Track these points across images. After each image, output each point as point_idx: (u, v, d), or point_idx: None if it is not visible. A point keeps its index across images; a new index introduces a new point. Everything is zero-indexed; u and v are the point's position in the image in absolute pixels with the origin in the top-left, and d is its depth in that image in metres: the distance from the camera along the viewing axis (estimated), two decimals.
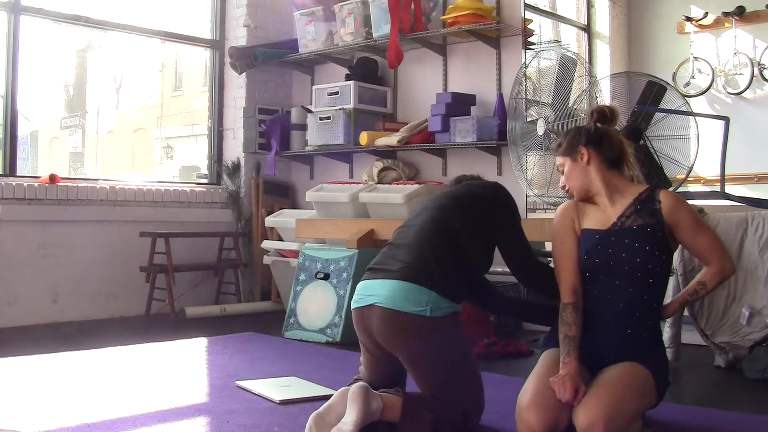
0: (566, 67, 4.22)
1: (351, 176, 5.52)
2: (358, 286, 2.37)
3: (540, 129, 4.15)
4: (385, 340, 2.26)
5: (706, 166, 4.68)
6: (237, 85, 5.77)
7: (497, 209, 2.46)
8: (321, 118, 5.20)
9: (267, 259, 5.15)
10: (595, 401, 2.01)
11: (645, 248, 2.21)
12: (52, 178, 4.69)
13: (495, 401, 2.74)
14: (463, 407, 2.25)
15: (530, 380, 2.17)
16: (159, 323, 4.75)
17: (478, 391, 2.32)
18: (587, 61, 5.39)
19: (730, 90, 5.50)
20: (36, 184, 4.65)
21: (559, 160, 2.41)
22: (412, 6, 4.85)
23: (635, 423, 2.10)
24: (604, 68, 5.52)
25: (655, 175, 3.91)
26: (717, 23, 5.56)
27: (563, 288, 2.27)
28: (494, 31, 4.70)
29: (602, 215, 2.31)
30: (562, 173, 2.40)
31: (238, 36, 5.75)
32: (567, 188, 2.38)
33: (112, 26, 5.34)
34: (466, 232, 2.36)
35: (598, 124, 2.38)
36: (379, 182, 5.02)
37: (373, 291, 2.26)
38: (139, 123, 7.94)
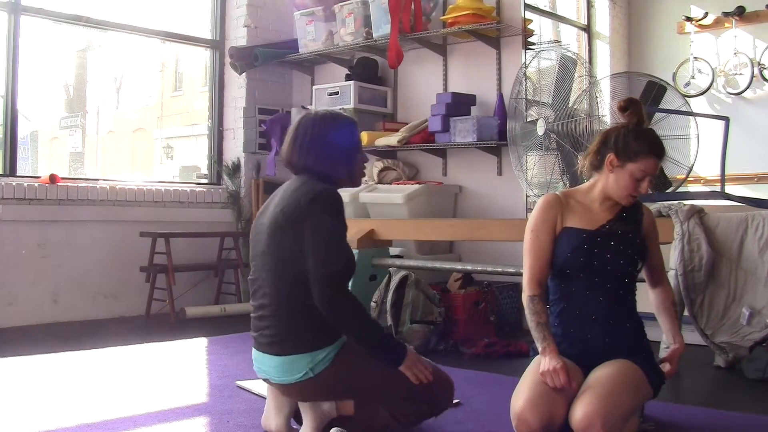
0: (566, 67, 4.21)
1: None
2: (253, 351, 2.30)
3: (540, 129, 4.15)
4: (299, 401, 2.28)
5: (706, 166, 4.68)
6: (237, 85, 5.77)
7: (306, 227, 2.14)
8: None
9: None
10: (590, 400, 2.02)
11: (627, 252, 2.27)
12: (52, 178, 4.69)
13: (495, 401, 2.75)
14: (421, 399, 2.24)
15: (523, 381, 2.18)
16: (159, 323, 4.75)
17: (428, 383, 2.25)
18: (587, 61, 5.38)
19: (730, 90, 5.49)
20: (36, 184, 4.65)
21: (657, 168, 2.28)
22: (412, 6, 4.85)
23: (632, 419, 2.12)
24: (604, 68, 5.52)
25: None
26: (717, 23, 5.55)
27: (529, 280, 2.29)
28: (494, 31, 4.70)
29: (590, 215, 2.32)
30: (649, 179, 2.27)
31: (238, 36, 5.75)
32: (636, 195, 2.28)
33: (112, 26, 5.34)
34: (304, 267, 2.12)
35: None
36: (379, 182, 5.02)
37: (262, 364, 2.25)
38: (139, 123, 7.96)
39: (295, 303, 2.14)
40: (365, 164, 2.41)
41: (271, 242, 2.18)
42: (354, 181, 2.37)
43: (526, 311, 2.27)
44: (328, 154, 2.26)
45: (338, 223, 2.16)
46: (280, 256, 2.15)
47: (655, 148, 2.27)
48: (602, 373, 2.14)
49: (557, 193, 2.40)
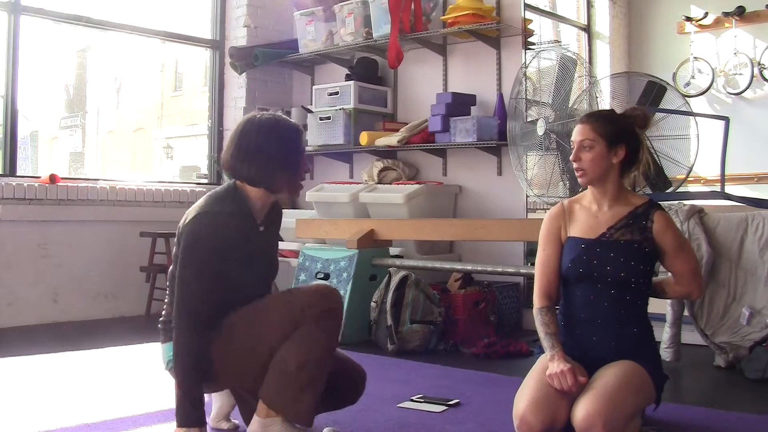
0: (566, 67, 4.21)
1: (351, 176, 5.52)
2: None
3: (540, 129, 4.15)
4: None
5: (706, 166, 4.68)
6: (237, 85, 5.77)
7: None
8: (321, 118, 5.20)
9: None
10: (592, 400, 2.02)
11: (630, 263, 2.24)
12: (52, 178, 4.69)
13: (495, 401, 2.75)
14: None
15: (527, 381, 2.18)
16: None
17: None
18: (587, 61, 5.39)
19: (730, 90, 5.49)
20: (36, 184, 4.64)
21: (589, 134, 2.26)
22: (412, 6, 4.84)
23: (634, 421, 2.11)
24: (604, 68, 5.52)
25: (655, 175, 3.91)
26: (717, 23, 5.55)
27: (538, 292, 2.32)
28: (494, 31, 4.70)
29: (593, 220, 2.31)
30: (583, 149, 2.27)
31: (238, 36, 5.75)
32: (580, 168, 2.28)
33: (112, 26, 5.34)
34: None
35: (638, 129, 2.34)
36: (379, 182, 5.02)
37: None
38: (139, 123, 7.95)
39: (172, 299, 2.20)
40: (305, 175, 2.31)
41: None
42: (292, 192, 2.27)
43: (536, 322, 2.28)
44: (269, 165, 2.16)
45: (189, 263, 2.10)
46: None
47: (584, 116, 2.33)
48: (606, 374, 2.13)
49: (563, 202, 2.41)
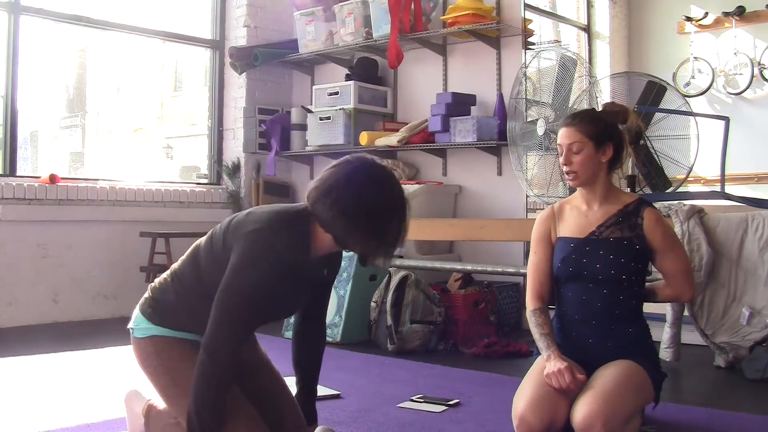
0: (566, 67, 4.22)
1: None
2: None
3: (540, 129, 4.15)
4: None
5: (706, 166, 4.68)
6: (237, 85, 5.77)
7: None
8: (321, 118, 5.20)
9: None
10: (591, 401, 2.02)
11: (620, 260, 2.23)
12: (52, 178, 4.69)
13: (495, 401, 2.75)
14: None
15: (526, 382, 2.18)
16: None
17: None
18: (587, 61, 5.39)
19: (730, 90, 5.49)
20: (36, 184, 4.64)
21: (576, 137, 2.26)
22: (412, 6, 4.85)
23: (633, 420, 2.11)
24: (604, 68, 5.52)
25: (655, 175, 3.91)
26: (717, 23, 5.56)
27: (530, 294, 2.32)
28: (494, 31, 4.70)
29: (583, 220, 2.31)
30: (572, 152, 2.26)
31: (238, 36, 5.75)
32: (572, 171, 2.28)
33: (112, 26, 5.34)
34: (215, 279, 1.93)
35: (621, 125, 2.34)
36: None
37: None
38: (139, 123, 7.96)
39: (181, 281, 2.03)
40: (391, 249, 1.90)
41: (220, 232, 1.99)
42: (363, 259, 1.96)
43: (530, 324, 2.28)
44: (346, 220, 1.83)
45: (245, 284, 1.82)
46: (213, 250, 1.97)
47: (567, 118, 2.34)
48: (604, 374, 2.13)
49: (554, 204, 2.42)
